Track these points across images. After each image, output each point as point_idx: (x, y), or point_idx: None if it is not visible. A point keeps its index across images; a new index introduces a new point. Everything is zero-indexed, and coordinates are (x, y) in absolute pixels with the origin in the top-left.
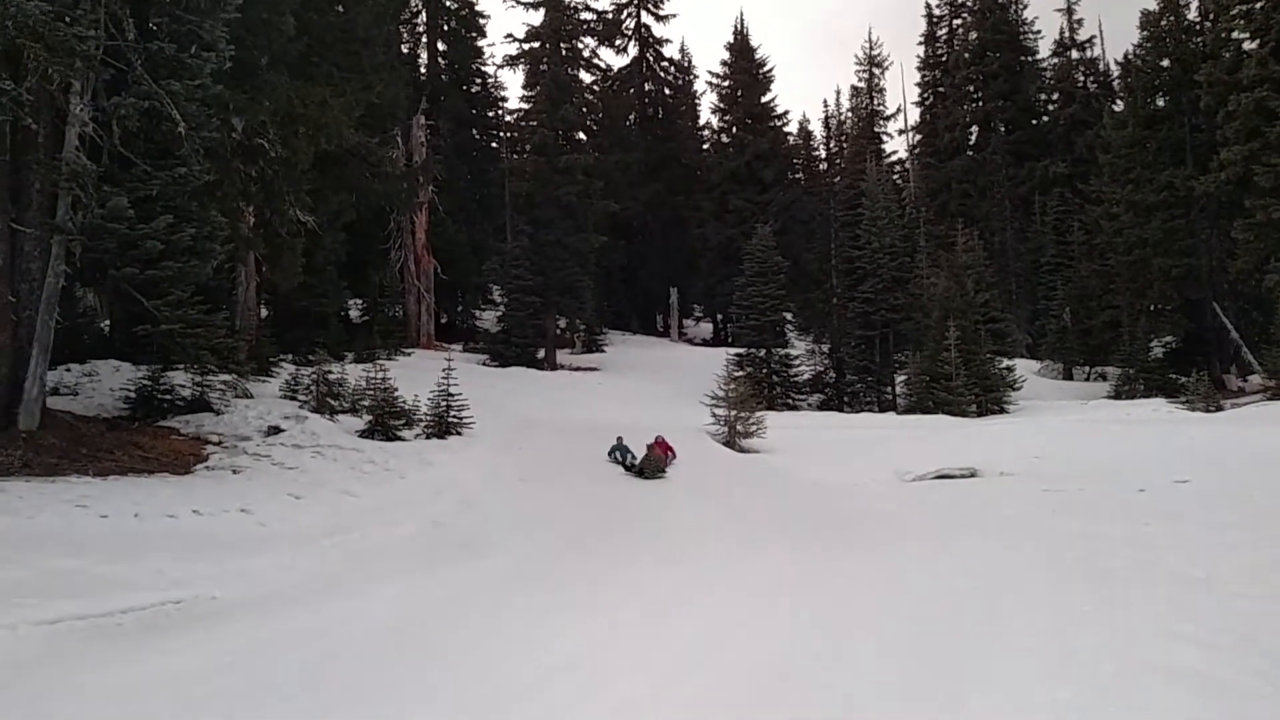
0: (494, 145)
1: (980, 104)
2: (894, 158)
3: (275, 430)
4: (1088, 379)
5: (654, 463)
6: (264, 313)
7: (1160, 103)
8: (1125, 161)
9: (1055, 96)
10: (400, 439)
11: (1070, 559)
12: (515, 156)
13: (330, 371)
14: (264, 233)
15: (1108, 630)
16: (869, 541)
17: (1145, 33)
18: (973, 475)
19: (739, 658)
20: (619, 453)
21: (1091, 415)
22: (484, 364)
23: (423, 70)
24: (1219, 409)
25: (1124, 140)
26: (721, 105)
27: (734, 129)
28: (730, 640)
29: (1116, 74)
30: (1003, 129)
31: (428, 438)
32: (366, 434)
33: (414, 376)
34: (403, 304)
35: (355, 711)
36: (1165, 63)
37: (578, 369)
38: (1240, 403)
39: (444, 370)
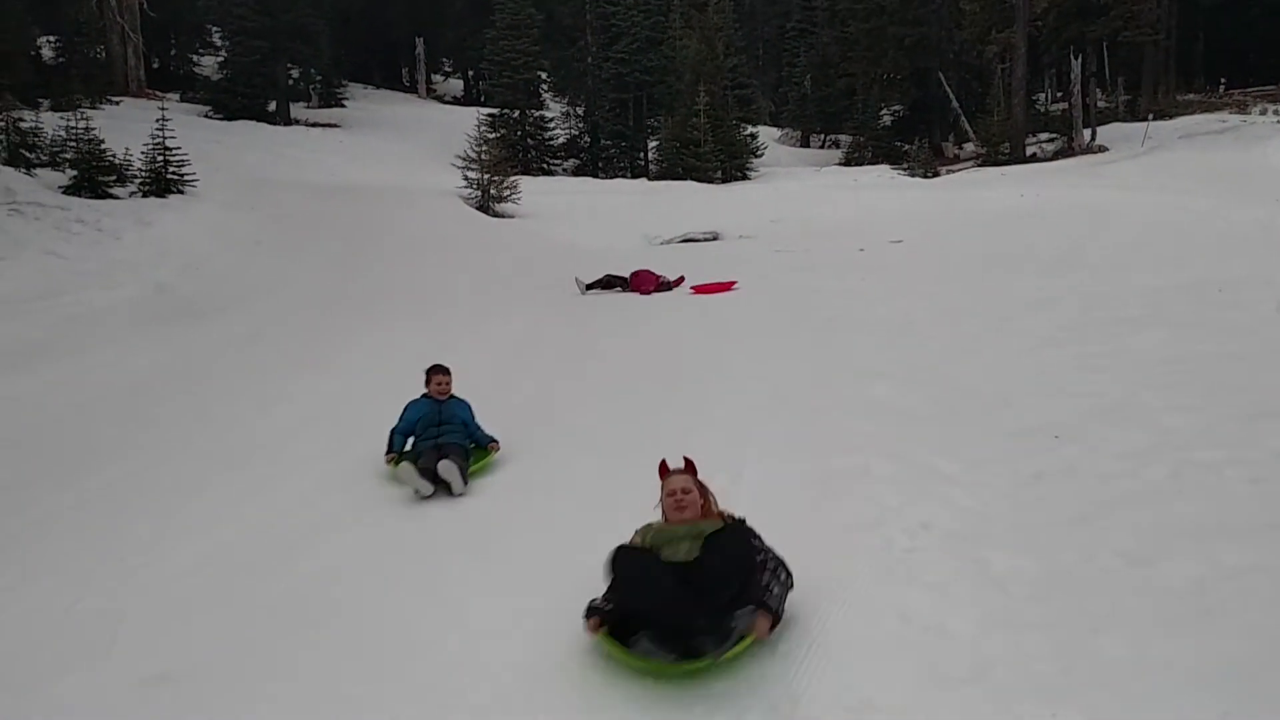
0: None
1: None
2: None
3: None
4: (823, 146)
5: None
6: None
7: None
8: None
9: None
10: (113, 197)
11: (794, 310)
12: None
13: (22, 119)
14: None
15: (819, 369)
16: (610, 301)
17: None
18: (715, 238)
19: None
20: None
21: (824, 181)
22: (206, 116)
23: None
24: (935, 175)
25: None
26: None
27: None
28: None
29: None
30: None
31: (144, 196)
32: (72, 190)
33: (124, 128)
34: (105, 44)
35: (80, 471)
36: None
37: (315, 125)
38: (955, 169)
39: (159, 121)
